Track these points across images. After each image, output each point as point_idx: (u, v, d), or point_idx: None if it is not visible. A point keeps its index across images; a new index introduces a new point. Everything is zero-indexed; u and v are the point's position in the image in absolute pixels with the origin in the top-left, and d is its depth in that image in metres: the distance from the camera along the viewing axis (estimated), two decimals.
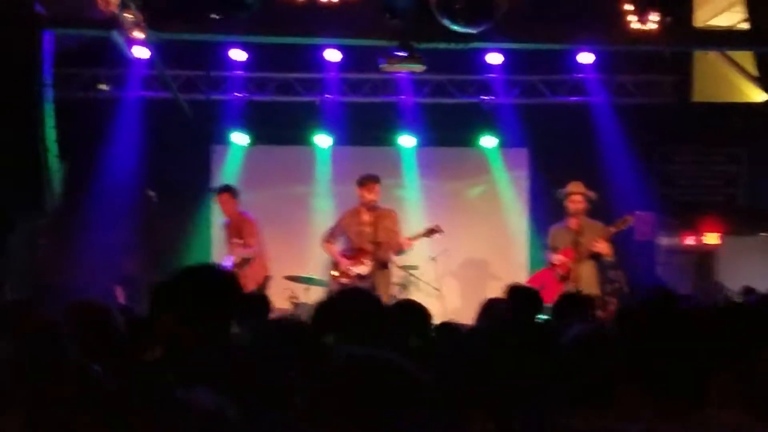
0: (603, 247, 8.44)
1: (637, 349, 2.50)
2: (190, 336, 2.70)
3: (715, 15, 10.26)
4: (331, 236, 9.15)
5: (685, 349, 2.42)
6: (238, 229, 9.21)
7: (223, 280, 2.88)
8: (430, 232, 9.10)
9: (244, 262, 9.09)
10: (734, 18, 10.20)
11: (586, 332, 2.93)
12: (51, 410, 2.67)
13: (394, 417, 1.55)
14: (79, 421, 2.37)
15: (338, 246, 9.15)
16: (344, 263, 8.92)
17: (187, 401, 1.76)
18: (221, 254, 9.49)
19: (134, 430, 2.01)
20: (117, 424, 2.29)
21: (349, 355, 1.62)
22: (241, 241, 9.12)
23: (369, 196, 8.84)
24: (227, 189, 9.45)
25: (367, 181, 8.90)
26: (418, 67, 8.58)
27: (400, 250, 8.98)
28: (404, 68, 8.79)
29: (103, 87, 10.59)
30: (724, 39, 9.91)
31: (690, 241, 11.18)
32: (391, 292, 9.10)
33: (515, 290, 5.23)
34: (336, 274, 8.96)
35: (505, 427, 2.10)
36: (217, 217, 10.29)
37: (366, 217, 8.89)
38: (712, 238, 11.08)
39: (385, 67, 8.59)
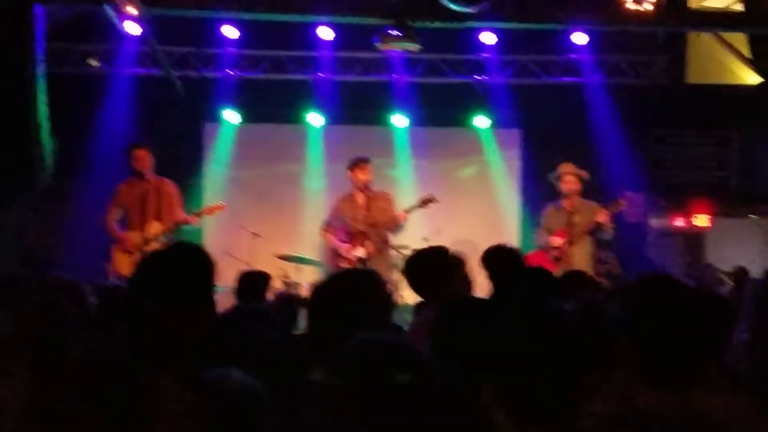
0: (604, 219, 8.39)
1: (634, 328, 2.49)
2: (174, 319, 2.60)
3: None
4: (328, 225, 9.02)
5: (679, 329, 2.42)
6: (168, 194, 8.21)
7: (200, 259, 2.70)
8: (425, 202, 8.97)
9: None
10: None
11: (575, 310, 2.93)
12: (52, 385, 2.66)
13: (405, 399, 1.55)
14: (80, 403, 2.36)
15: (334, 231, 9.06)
16: (344, 248, 8.84)
17: (219, 381, 1.75)
18: (142, 221, 8.16)
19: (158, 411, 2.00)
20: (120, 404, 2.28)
21: (361, 340, 1.61)
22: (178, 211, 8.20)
23: (362, 176, 8.70)
24: (146, 144, 8.30)
25: (359, 162, 8.77)
26: (414, 46, 8.54)
27: (397, 225, 8.84)
28: (399, 47, 8.73)
29: (94, 63, 10.50)
30: (718, 20, 9.90)
31: (680, 222, 11.21)
32: (389, 274, 9.05)
33: (528, 271, 5.13)
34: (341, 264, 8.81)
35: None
36: (210, 195, 10.26)
37: (360, 200, 8.81)
38: (702, 220, 11.12)
39: (380, 45, 8.55)
